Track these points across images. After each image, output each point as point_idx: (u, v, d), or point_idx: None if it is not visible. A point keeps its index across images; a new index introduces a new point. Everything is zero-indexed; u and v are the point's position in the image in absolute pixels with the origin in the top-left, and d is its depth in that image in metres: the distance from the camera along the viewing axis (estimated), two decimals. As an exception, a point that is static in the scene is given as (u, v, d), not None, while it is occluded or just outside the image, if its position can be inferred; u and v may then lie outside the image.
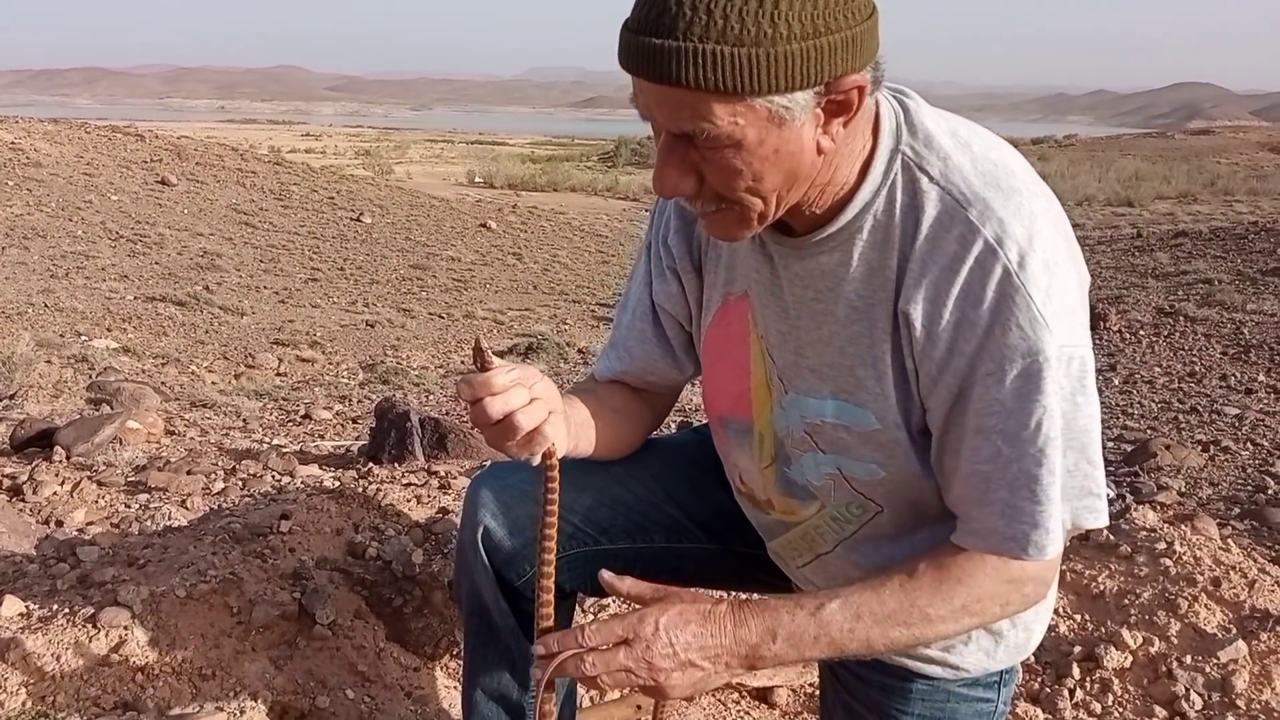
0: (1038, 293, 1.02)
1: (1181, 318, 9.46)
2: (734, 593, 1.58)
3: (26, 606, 1.81)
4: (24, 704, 1.57)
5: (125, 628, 1.73)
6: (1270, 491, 4.73)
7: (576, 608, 1.64)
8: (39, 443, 4.44)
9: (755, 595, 1.26)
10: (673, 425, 6.22)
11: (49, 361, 7.40)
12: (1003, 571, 1.09)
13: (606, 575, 1.13)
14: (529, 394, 1.07)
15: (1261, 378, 7.36)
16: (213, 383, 8.31)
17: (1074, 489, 1.08)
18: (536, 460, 1.10)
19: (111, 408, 5.80)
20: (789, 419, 1.19)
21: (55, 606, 1.79)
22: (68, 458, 4.18)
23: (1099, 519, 1.10)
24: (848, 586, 1.10)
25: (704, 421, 1.38)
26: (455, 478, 3.01)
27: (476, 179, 34.41)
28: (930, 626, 1.09)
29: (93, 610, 1.75)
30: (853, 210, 1.08)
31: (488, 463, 4.26)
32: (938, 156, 1.07)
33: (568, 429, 1.19)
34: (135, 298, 11.45)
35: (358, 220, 18.50)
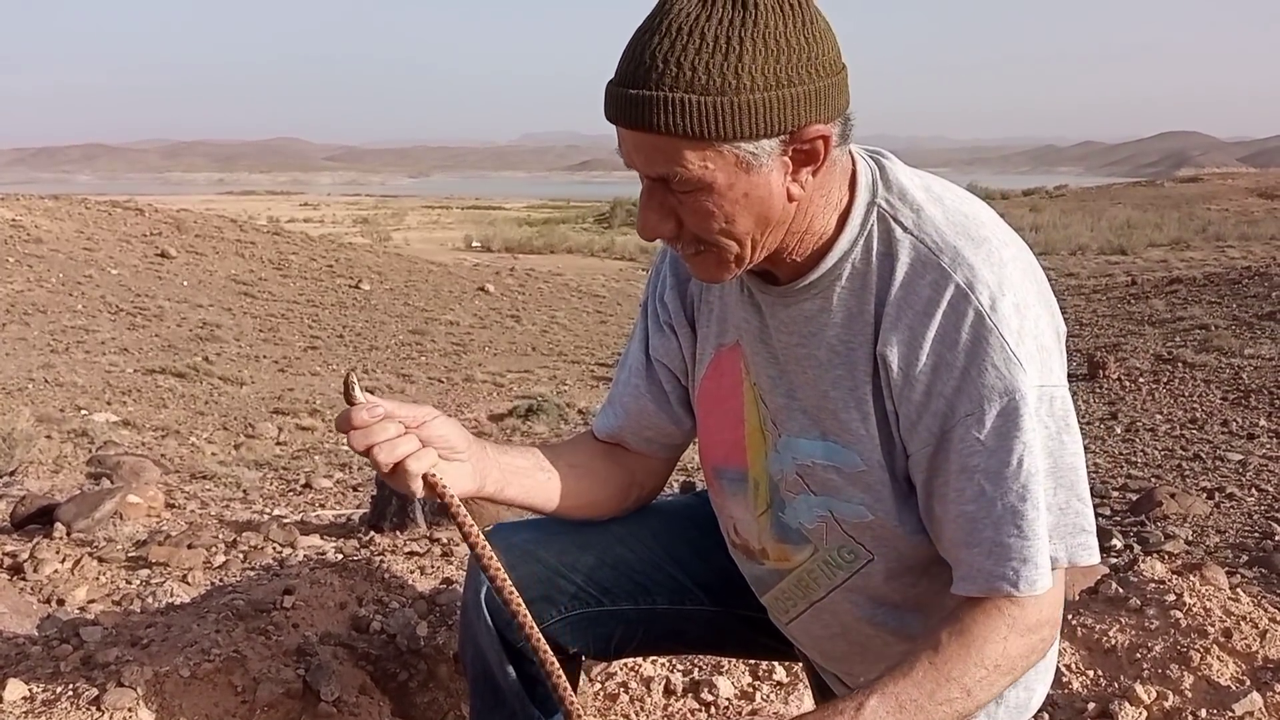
0: (1010, 334, 1.05)
1: (1180, 364, 9.49)
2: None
3: (30, 689, 1.79)
4: (27, 791, 1.55)
5: (130, 710, 1.71)
6: (1277, 538, 4.71)
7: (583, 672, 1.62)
8: (39, 519, 4.42)
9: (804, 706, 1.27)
10: (674, 484, 6.20)
11: (49, 437, 7.40)
12: (1019, 620, 1.09)
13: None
14: (397, 429, 1.10)
15: (1263, 422, 7.36)
16: (213, 454, 8.29)
17: (1067, 527, 1.09)
18: (419, 493, 1.12)
19: (112, 482, 5.78)
20: (782, 461, 1.21)
21: (59, 689, 1.77)
22: (68, 534, 4.17)
23: (1092, 556, 1.12)
24: (879, 679, 1.08)
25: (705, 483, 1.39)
26: (458, 545, 3.00)
27: (474, 243, 34.69)
28: (971, 698, 1.08)
29: (97, 692, 1.73)
30: (832, 259, 1.13)
31: (489, 528, 4.25)
32: (911, 209, 1.12)
33: (485, 470, 1.21)
34: (135, 370, 11.48)
35: (356, 287, 18.62)
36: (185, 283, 16.95)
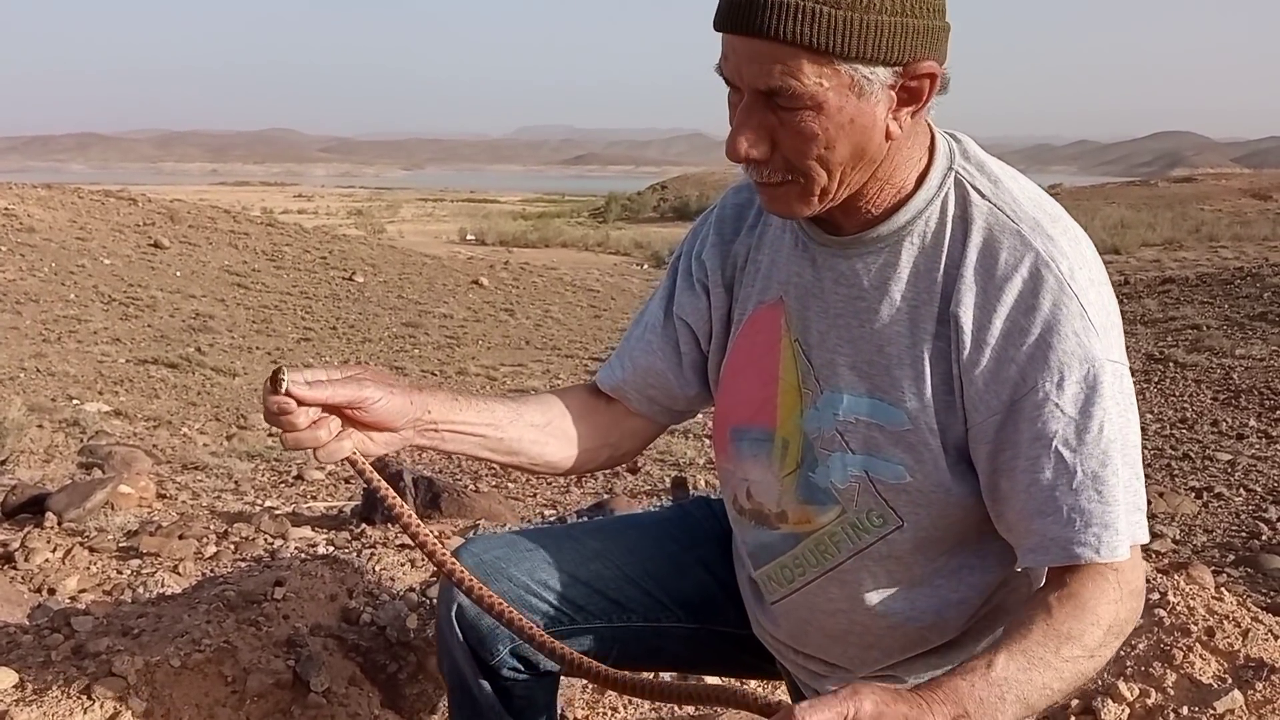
0: (1089, 305, 1.07)
1: (1171, 364, 9.53)
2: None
3: (21, 678, 1.80)
4: (17, 779, 1.56)
5: (120, 698, 1.72)
6: (1264, 538, 4.75)
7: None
8: (30, 509, 4.43)
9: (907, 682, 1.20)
10: (666, 479, 6.21)
11: (40, 426, 7.38)
12: (1124, 584, 1.08)
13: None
14: (307, 419, 1.11)
15: (1252, 423, 7.40)
16: (205, 444, 8.28)
17: (1133, 503, 1.09)
18: (335, 462, 1.15)
19: (103, 472, 5.78)
20: (822, 418, 1.19)
21: (50, 678, 1.78)
22: (59, 524, 4.17)
23: (1146, 534, 1.12)
24: (999, 642, 1.04)
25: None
26: (449, 537, 3.02)
27: (468, 237, 34.67)
28: (1093, 659, 1.07)
29: (88, 681, 1.74)
30: (907, 214, 1.13)
31: (481, 522, 4.26)
32: (989, 179, 1.14)
33: (419, 423, 1.22)
34: (127, 360, 11.45)
35: (350, 279, 18.59)
36: (178, 273, 16.91)
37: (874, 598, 1.23)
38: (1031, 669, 1.02)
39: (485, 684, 1.37)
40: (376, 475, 1.16)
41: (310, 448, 1.12)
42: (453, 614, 1.34)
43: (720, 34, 1.06)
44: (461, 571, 1.16)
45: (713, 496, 1.56)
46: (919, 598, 1.23)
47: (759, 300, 1.25)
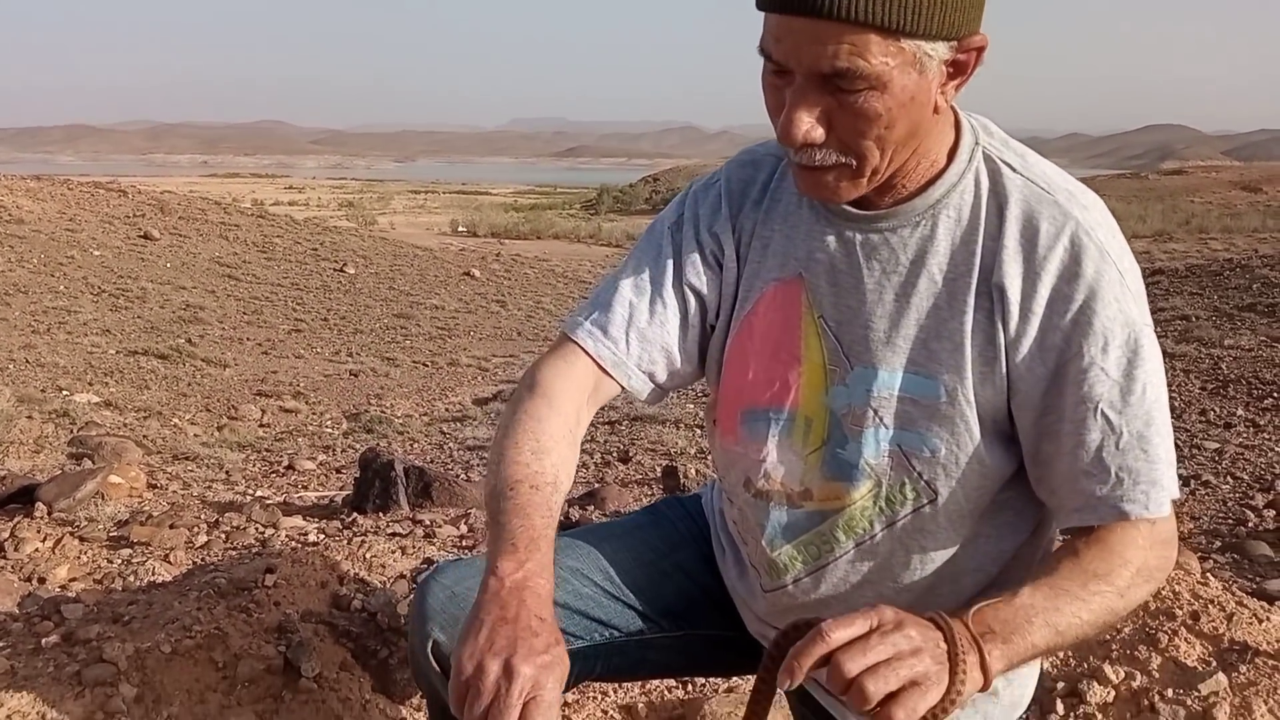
0: (1126, 272, 1.09)
1: (1161, 354, 9.57)
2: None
3: (11, 665, 1.80)
4: (8, 763, 1.56)
5: (111, 685, 1.72)
6: (1250, 524, 4.78)
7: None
8: (20, 499, 4.41)
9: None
10: (657, 469, 6.22)
11: (30, 417, 7.36)
12: (1154, 533, 1.09)
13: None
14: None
15: (1240, 411, 7.44)
16: (195, 435, 8.27)
17: (1169, 461, 1.11)
18: None
19: (93, 462, 5.77)
20: (852, 395, 1.17)
21: (40, 665, 1.78)
22: (49, 514, 4.16)
23: (1177, 489, 1.13)
24: (1022, 586, 1.03)
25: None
26: (440, 526, 3.02)
27: (460, 228, 34.61)
28: (1121, 598, 1.07)
29: (78, 668, 1.75)
30: (942, 188, 1.13)
31: (473, 510, 4.26)
32: (1015, 154, 1.15)
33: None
34: (117, 352, 11.42)
35: (341, 271, 18.55)
36: (168, 264, 16.85)
37: (900, 570, 1.22)
38: (1057, 598, 1.02)
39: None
40: None
41: None
42: (428, 648, 1.27)
43: (767, 14, 1.02)
44: None
45: (701, 487, 1.53)
46: (942, 567, 1.22)
47: (774, 278, 1.21)
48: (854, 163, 1.06)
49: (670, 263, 1.24)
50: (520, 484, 1.09)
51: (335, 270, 18.58)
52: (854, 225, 1.17)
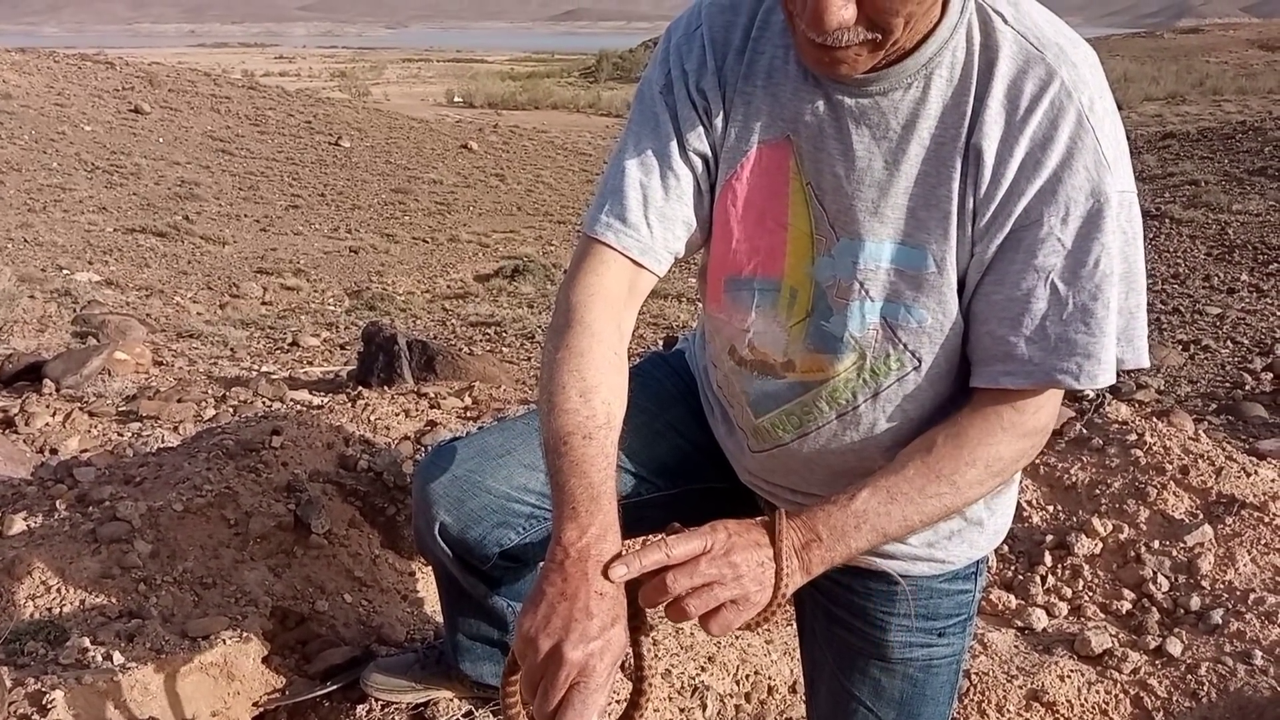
0: (1104, 136, 1.05)
1: (1168, 220, 9.47)
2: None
3: (29, 525, 1.85)
4: (32, 615, 1.63)
5: (126, 541, 1.78)
6: (1248, 387, 4.82)
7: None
8: (27, 376, 4.46)
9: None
10: (659, 342, 6.26)
11: (32, 296, 7.37)
12: (1017, 425, 1.11)
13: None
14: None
15: (1244, 277, 7.42)
16: (198, 313, 8.30)
17: (1136, 329, 1.11)
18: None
19: (98, 340, 5.81)
20: (837, 267, 1.14)
21: (56, 524, 1.84)
22: (57, 390, 4.21)
23: (1146, 358, 1.14)
24: (872, 476, 1.08)
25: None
26: (445, 398, 3.05)
27: (456, 99, 33.84)
28: (959, 494, 1.10)
29: (93, 526, 1.80)
30: (934, 45, 1.07)
31: (476, 384, 4.30)
32: (1008, 3, 1.10)
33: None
34: (115, 230, 11.34)
35: (336, 144, 18.23)
36: (161, 140, 16.56)
37: (885, 434, 1.23)
38: (893, 503, 1.07)
39: (474, 578, 1.41)
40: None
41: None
42: (435, 530, 1.32)
43: None
44: None
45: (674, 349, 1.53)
46: (920, 424, 1.22)
47: (761, 139, 1.15)
48: (879, 37, 1.02)
49: (670, 130, 1.17)
50: (572, 435, 1.05)
51: (330, 144, 18.26)
52: (843, 87, 1.11)
